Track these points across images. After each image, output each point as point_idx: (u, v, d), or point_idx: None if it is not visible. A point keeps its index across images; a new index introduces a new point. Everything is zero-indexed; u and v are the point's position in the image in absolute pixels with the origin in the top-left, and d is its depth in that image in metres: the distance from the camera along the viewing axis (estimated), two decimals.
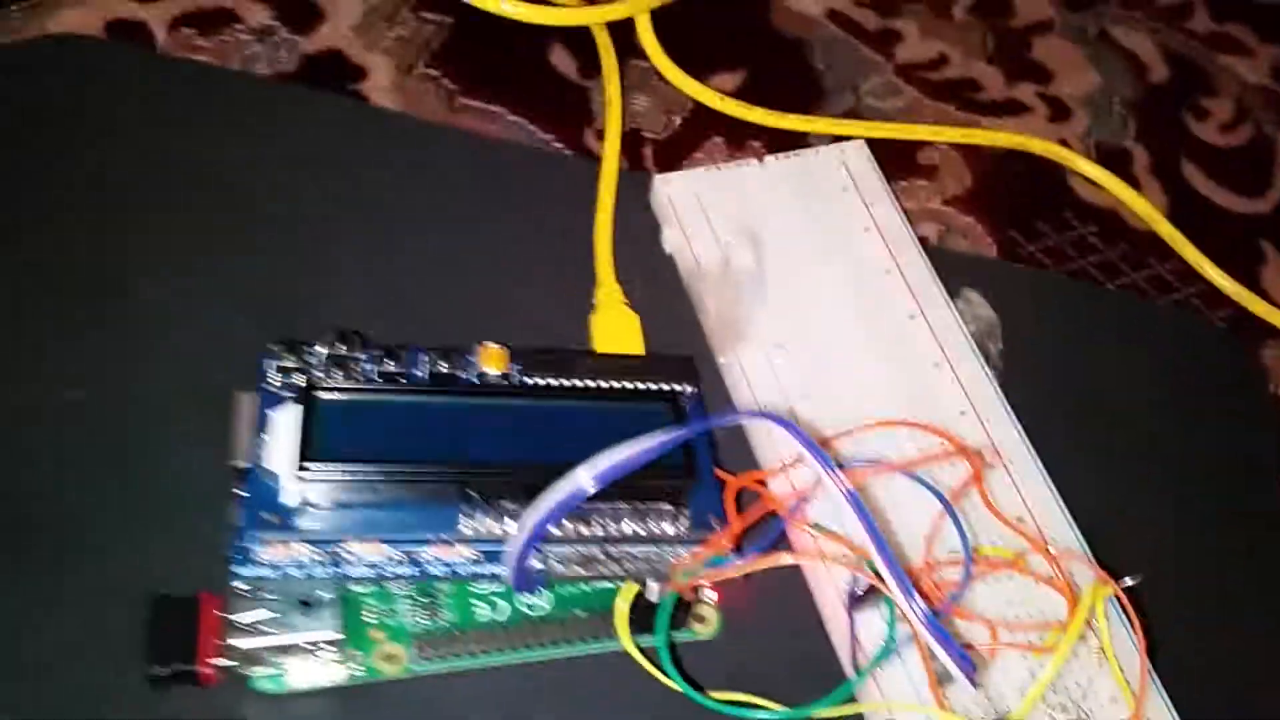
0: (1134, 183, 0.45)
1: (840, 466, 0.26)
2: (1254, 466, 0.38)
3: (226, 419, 0.30)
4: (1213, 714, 0.30)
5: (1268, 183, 0.47)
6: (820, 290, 0.37)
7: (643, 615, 0.29)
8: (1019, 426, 0.35)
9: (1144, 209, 0.44)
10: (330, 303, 0.35)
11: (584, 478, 0.26)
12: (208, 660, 0.27)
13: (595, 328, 0.36)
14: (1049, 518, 0.33)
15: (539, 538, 0.26)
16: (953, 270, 0.39)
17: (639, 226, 0.39)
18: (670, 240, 0.39)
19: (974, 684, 0.25)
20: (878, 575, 0.26)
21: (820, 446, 0.26)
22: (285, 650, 0.27)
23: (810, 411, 0.34)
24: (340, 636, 0.27)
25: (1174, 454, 0.38)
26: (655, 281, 0.38)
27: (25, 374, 0.32)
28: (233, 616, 0.27)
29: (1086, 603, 0.28)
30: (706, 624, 0.31)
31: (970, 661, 0.25)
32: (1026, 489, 0.33)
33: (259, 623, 0.27)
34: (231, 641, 0.27)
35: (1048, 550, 0.30)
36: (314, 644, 0.27)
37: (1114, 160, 0.46)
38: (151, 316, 0.34)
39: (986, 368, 0.36)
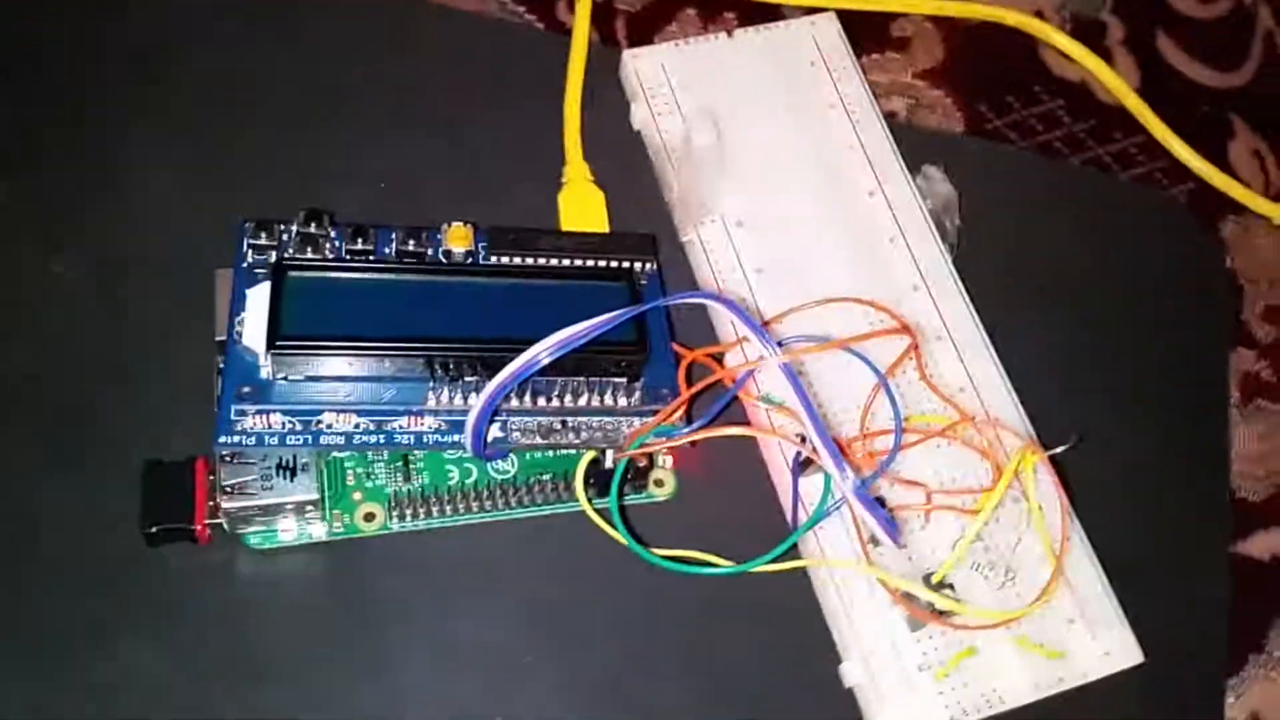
0: (1107, 56, 0.45)
1: (781, 344, 0.28)
2: (1205, 340, 0.40)
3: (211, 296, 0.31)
4: (1138, 576, 0.33)
5: (1244, 56, 0.47)
6: (783, 167, 0.38)
7: (602, 479, 0.31)
8: (968, 300, 0.36)
9: (1113, 82, 0.44)
10: (304, 183, 0.36)
11: (537, 350, 0.27)
12: (201, 519, 0.29)
13: (562, 205, 0.37)
14: (990, 390, 0.34)
15: (493, 407, 0.28)
16: (917, 146, 0.39)
17: (609, 103, 0.40)
18: (638, 117, 0.39)
19: (898, 544, 0.28)
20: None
21: (762, 325, 0.27)
22: (271, 510, 0.29)
23: (767, 286, 0.35)
24: (317, 498, 0.29)
25: (1126, 327, 0.39)
26: (623, 159, 0.39)
27: (22, 247, 0.34)
28: (222, 479, 0.29)
29: (1012, 466, 0.30)
30: (663, 487, 0.33)
31: (894, 524, 0.28)
32: (970, 362, 0.35)
33: (245, 485, 0.29)
34: (220, 502, 0.29)
35: (973, 420, 0.32)
36: (296, 505, 0.29)
37: (1089, 33, 0.46)
38: (141, 197, 0.35)
39: (941, 243, 0.37)
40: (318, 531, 0.31)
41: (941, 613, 0.30)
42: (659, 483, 0.33)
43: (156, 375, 0.32)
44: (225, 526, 0.29)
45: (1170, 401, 0.38)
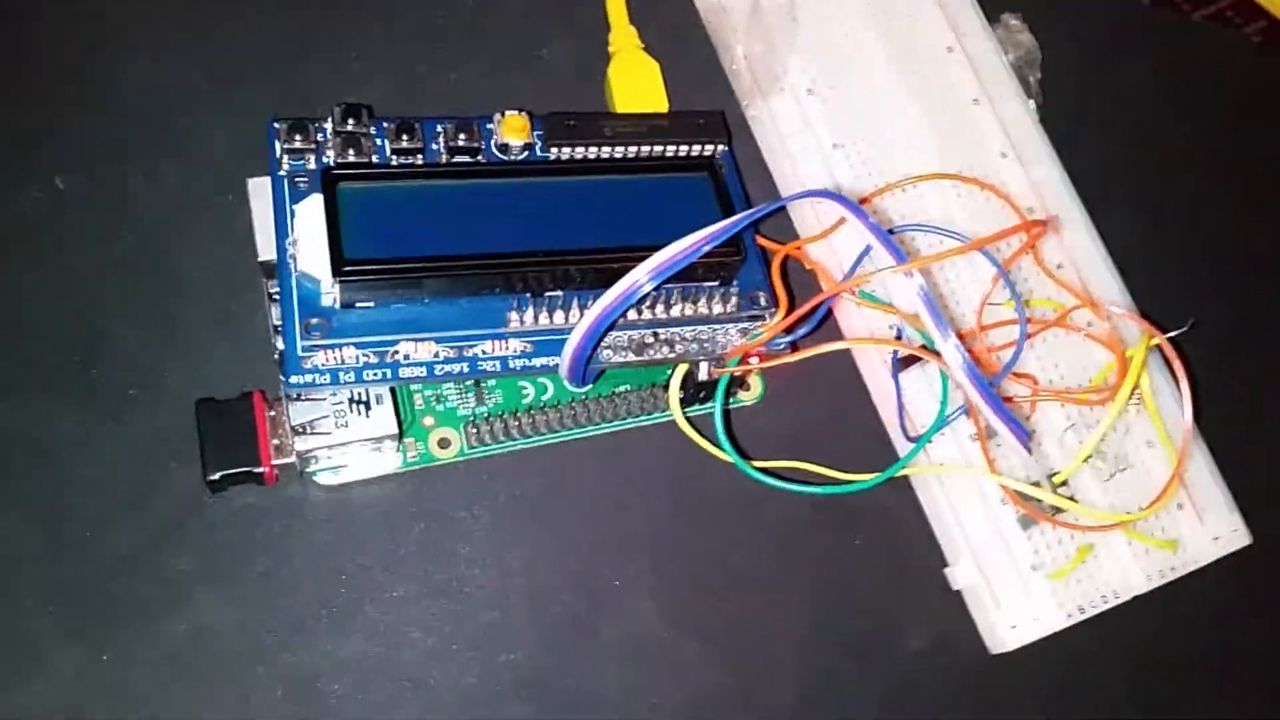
0: None
1: (891, 233, 0.25)
2: None
3: (244, 209, 0.28)
4: (1252, 466, 0.32)
5: None
6: (851, 25, 0.34)
7: (690, 390, 0.29)
8: (1061, 167, 0.33)
9: None
10: (334, 75, 0.32)
11: (641, 277, 0.25)
12: (267, 460, 0.27)
13: (613, 80, 0.33)
14: (1092, 268, 0.32)
15: (595, 338, 0.25)
16: None
17: None
18: None
19: (1029, 450, 0.26)
20: (927, 348, 0.26)
21: (870, 217, 0.25)
22: (343, 446, 0.27)
23: (847, 164, 0.32)
24: (396, 432, 0.27)
25: (1218, 186, 0.37)
26: (672, 20, 0.35)
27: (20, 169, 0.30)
28: (289, 418, 0.26)
29: (1140, 354, 0.28)
30: (750, 390, 0.31)
31: (1025, 430, 0.26)
32: (1068, 236, 0.32)
33: (317, 422, 0.26)
34: (294, 444, 0.26)
35: (1093, 305, 0.30)
36: (371, 439, 0.27)
37: None
38: (150, 102, 0.31)
39: (1027, 102, 0.34)
40: (391, 462, 0.28)
41: (1057, 511, 0.29)
42: (745, 385, 0.31)
43: (190, 302, 0.29)
44: (296, 465, 0.27)
45: (1271, 267, 0.36)
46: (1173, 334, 0.29)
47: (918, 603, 0.30)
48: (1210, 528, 0.30)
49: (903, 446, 0.30)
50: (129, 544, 0.27)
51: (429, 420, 0.29)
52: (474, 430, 0.29)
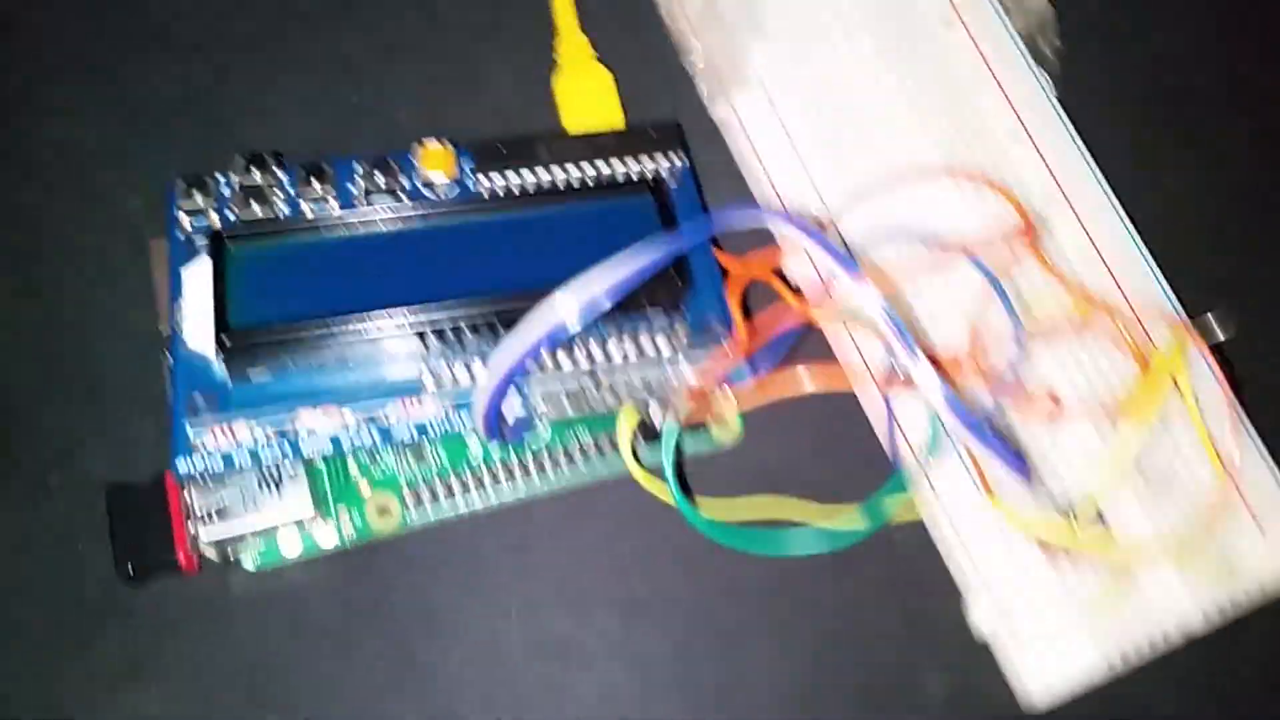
0: None
1: (854, 260, 0.21)
2: None
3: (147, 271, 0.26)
4: None
5: None
6: (828, 3, 0.30)
7: (648, 434, 0.26)
8: (1082, 146, 0.29)
9: None
10: (257, 117, 0.30)
11: (564, 308, 0.21)
12: (183, 549, 0.24)
13: (560, 93, 0.30)
14: (1121, 260, 0.28)
15: (508, 384, 0.22)
16: None
17: None
18: None
19: (1029, 484, 0.22)
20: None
21: (836, 245, 0.21)
22: (262, 532, 0.24)
23: (829, 165, 0.28)
24: (313, 514, 0.24)
25: (1266, 166, 0.31)
26: (625, 20, 0.31)
27: None
28: (194, 506, 0.24)
29: (1168, 362, 0.24)
30: (727, 428, 0.27)
31: (1023, 461, 0.22)
32: (1092, 226, 0.28)
33: (225, 509, 0.24)
34: (199, 533, 0.24)
35: (1107, 308, 0.26)
36: (286, 523, 0.24)
37: None
38: (52, 156, 0.29)
39: (1040, 73, 0.30)
40: (326, 539, 0.26)
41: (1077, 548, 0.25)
42: (720, 419, 0.27)
43: (109, 374, 0.27)
44: (212, 556, 0.25)
45: None
46: (1212, 338, 0.24)
47: (933, 646, 0.26)
48: (1275, 542, 0.26)
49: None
50: (46, 641, 0.25)
51: (365, 488, 0.26)
52: (415, 495, 0.26)
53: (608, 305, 0.22)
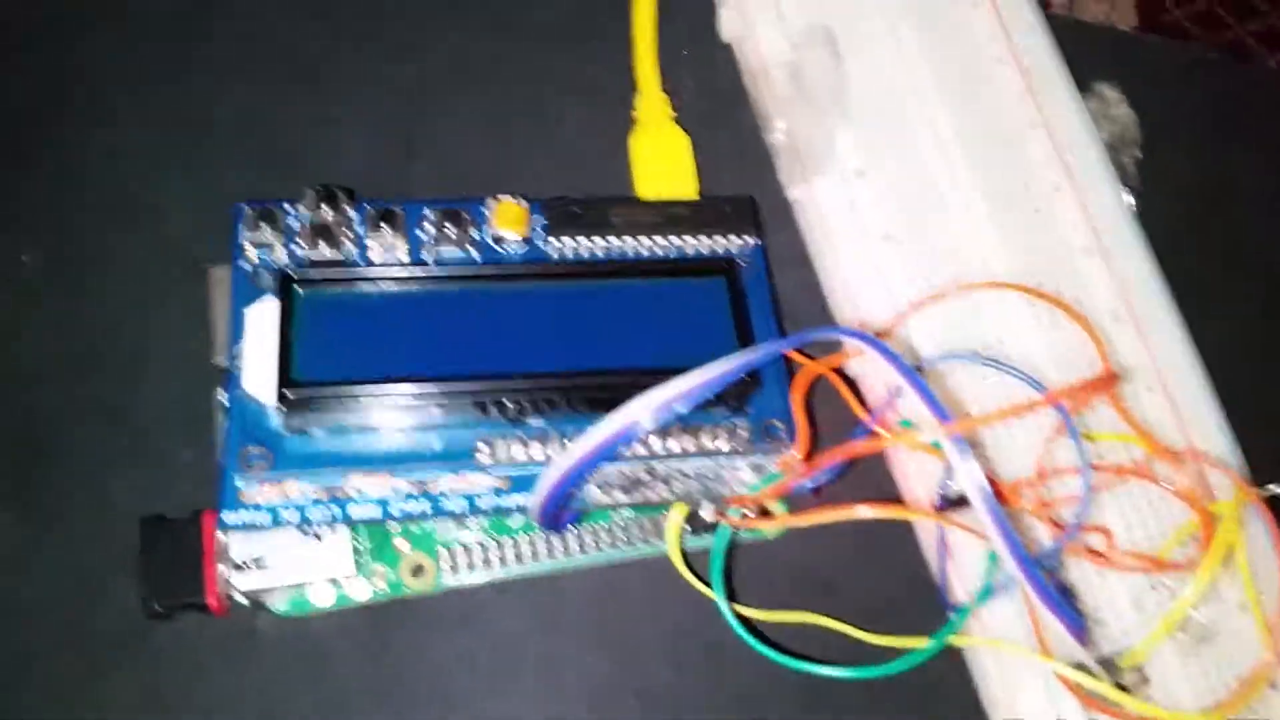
0: None
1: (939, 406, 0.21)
2: None
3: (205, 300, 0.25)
4: None
5: None
6: (915, 96, 0.30)
7: (694, 527, 0.25)
8: (1157, 269, 0.29)
9: None
10: (317, 150, 0.29)
11: (639, 414, 0.21)
12: (214, 591, 0.24)
13: (635, 155, 0.29)
14: (1186, 397, 0.27)
15: (572, 483, 0.22)
16: (1081, 50, 0.31)
17: (690, 8, 0.31)
18: (728, 24, 0.31)
19: (1084, 644, 0.21)
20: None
21: (906, 364, 0.20)
22: (296, 584, 0.24)
23: (899, 258, 0.28)
24: (352, 572, 0.24)
25: None
26: (706, 83, 0.31)
27: None
28: (232, 554, 0.23)
29: (1229, 519, 0.23)
30: (773, 523, 0.27)
31: (1081, 620, 0.21)
32: (1159, 354, 0.28)
33: (261, 558, 0.24)
34: (232, 581, 0.24)
35: (1175, 456, 0.25)
36: (322, 578, 0.24)
37: None
38: (101, 169, 0.28)
39: (1123, 189, 0.29)
40: (357, 592, 0.25)
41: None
42: (765, 513, 0.27)
43: (149, 400, 0.26)
44: (243, 601, 0.24)
45: None
46: (1272, 490, 0.24)
47: None
48: None
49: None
50: (66, 670, 0.24)
51: (402, 544, 0.26)
52: (452, 558, 0.26)
53: (683, 411, 0.21)
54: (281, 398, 0.22)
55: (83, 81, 0.29)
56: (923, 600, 0.26)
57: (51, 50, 0.29)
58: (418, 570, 0.26)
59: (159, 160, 0.28)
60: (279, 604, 0.25)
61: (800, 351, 0.25)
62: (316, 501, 0.22)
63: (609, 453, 0.21)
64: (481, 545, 0.26)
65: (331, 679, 0.25)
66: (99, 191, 0.28)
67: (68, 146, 0.28)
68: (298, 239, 0.25)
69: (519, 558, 0.26)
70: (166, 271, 0.27)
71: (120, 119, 0.29)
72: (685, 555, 0.25)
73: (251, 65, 0.30)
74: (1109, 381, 0.24)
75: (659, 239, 0.26)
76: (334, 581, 0.25)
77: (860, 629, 0.24)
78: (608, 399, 0.22)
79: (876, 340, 0.21)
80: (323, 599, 0.25)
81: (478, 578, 0.26)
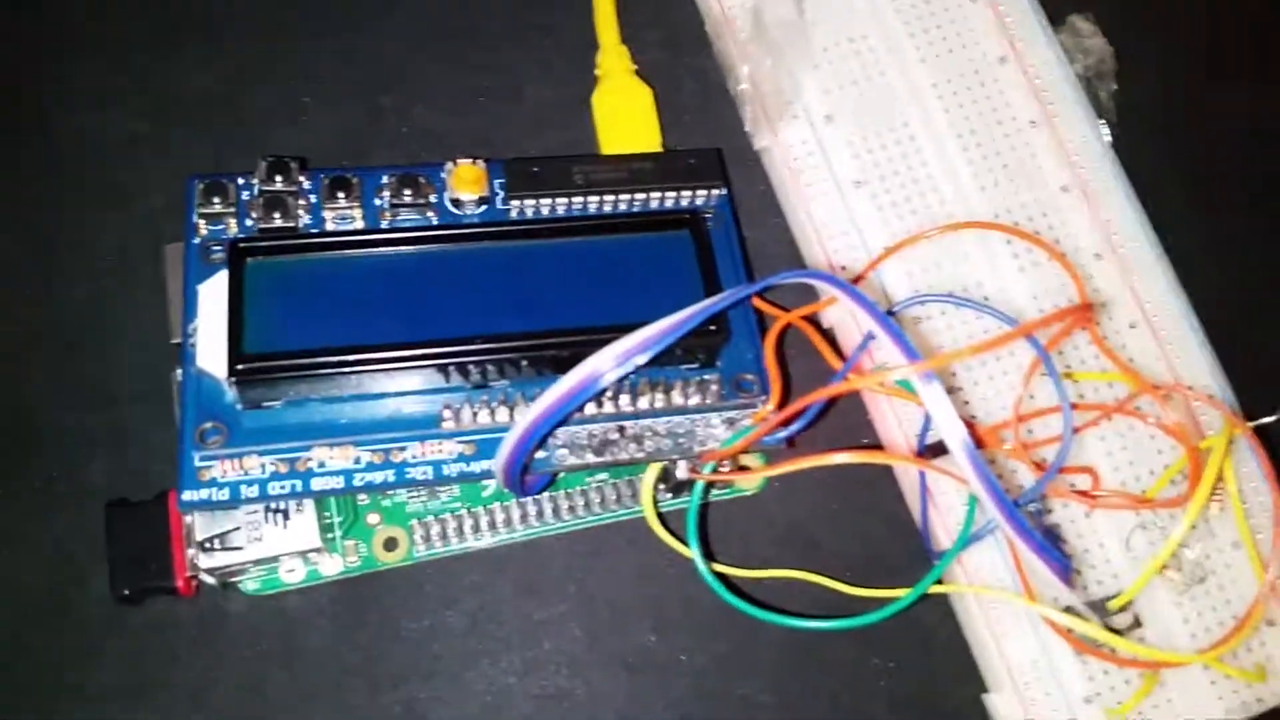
0: None
1: (905, 341, 0.20)
2: None
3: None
4: None
5: None
6: (881, 35, 0.29)
7: (669, 486, 0.25)
8: (1138, 204, 0.28)
9: None
10: (284, 117, 0.28)
11: (601, 365, 0.20)
12: (181, 574, 0.23)
13: (597, 110, 0.29)
14: (1172, 331, 0.27)
15: (534, 440, 0.21)
16: None
17: None
18: None
19: (1071, 587, 0.21)
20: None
21: (875, 305, 0.20)
22: (264, 561, 0.24)
23: (871, 203, 0.27)
24: (319, 545, 0.23)
25: None
26: (668, 34, 0.30)
27: None
28: (196, 534, 0.23)
29: (1219, 454, 0.23)
30: (750, 476, 0.26)
31: (1067, 562, 0.21)
32: (1142, 291, 0.27)
33: (227, 537, 0.23)
34: (198, 561, 0.23)
35: (1158, 390, 0.25)
36: (289, 554, 0.23)
37: None
38: (75, 148, 0.28)
39: (1098, 123, 0.29)
40: (329, 567, 0.25)
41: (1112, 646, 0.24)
42: (743, 468, 0.26)
43: (122, 379, 0.26)
44: (211, 581, 0.24)
45: None
46: (1262, 421, 0.23)
47: None
48: None
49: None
50: (41, 654, 0.24)
51: (373, 518, 0.25)
52: (424, 529, 0.25)
53: (644, 361, 0.21)
54: (233, 371, 0.21)
55: (56, 61, 0.28)
56: (910, 551, 0.26)
57: (21, 31, 0.29)
58: (390, 543, 0.25)
59: (131, 140, 0.28)
60: (250, 583, 0.24)
61: (773, 302, 0.25)
62: (276, 475, 0.22)
63: (572, 406, 0.21)
64: (454, 515, 0.25)
65: (308, 655, 0.25)
66: (71, 172, 0.28)
67: (39, 128, 0.28)
68: (250, 211, 0.24)
69: (492, 526, 0.25)
70: (135, 249, 0.27)
71: (92, 100, 0.28)
72: (662, 516, 0.24)
73: (221, 42, 0.29)
74: (1084, 310, 0.23)
75: (623, 195, 0.25)
76: (304, 558, 0.24)
77: (845, 582, 0.24)
78: (573, 358, 0.21)
79: (840, 280, 0.20)
80: (293, 576, 0.25)
81: (451, 549, 0.25)
